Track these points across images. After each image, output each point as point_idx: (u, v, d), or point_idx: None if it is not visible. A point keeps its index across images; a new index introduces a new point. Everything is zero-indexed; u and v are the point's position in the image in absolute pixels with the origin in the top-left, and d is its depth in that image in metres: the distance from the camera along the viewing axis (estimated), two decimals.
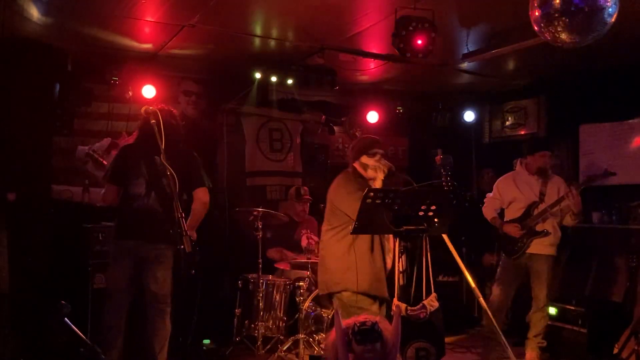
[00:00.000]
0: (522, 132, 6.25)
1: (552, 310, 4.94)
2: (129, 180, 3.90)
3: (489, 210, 4.87)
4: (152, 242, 3.85)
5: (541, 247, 4.60)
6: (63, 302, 3.25)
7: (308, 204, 5.60)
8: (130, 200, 3.89)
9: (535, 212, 4.63)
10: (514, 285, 4.76)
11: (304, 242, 5.41)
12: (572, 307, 4.82)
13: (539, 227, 4.61)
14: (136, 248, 3.86)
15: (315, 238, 5.50)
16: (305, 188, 5.64)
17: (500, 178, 5.00)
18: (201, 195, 4.02)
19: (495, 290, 4.81)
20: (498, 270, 4.87)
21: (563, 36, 3.48)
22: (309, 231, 5.53)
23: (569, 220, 4.63)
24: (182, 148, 3.99)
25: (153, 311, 3.91)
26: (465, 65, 5.32)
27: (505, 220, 4.79)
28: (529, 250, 4.62)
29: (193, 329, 4.07)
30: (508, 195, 4.78)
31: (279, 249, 5.37)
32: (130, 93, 4.94)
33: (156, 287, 3.91)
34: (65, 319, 3.26)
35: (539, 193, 4.66)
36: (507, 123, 6.36)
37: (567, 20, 2.95)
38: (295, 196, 5.57)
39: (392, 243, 3.64)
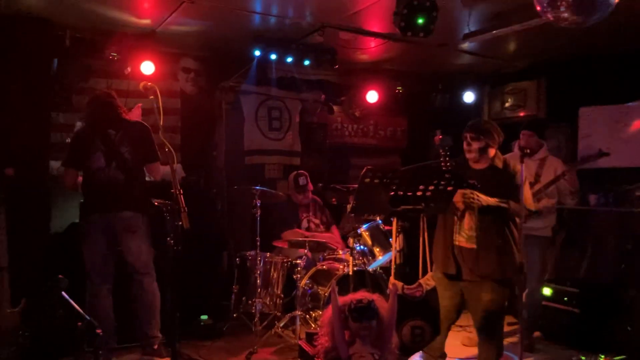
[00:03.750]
0: (522, 114, 6.23)
1: (547, 291, 4.99)
2: (88, 158, 4.01)
3: None
4: (118, 210, 3.98)
5: (535, 229, 4.61)
6: (61, 276, 3.25)
7: (309, 191, 5.57)
8: (91, 175, 4.03)
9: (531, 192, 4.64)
10: None
11: (304, 225, 5.42)
12: (567, 288, 4.87)
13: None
14: (104, 220, 3.99)
15: (316, 221, 5.51)
16: (305, 175, 5.48)
17: None
18: (153, 171, 4.11)
19: None
20: None
21: (566, 16, 3.47)
22: (310, 214, 5.52)
23: (568, 200, 4.64)
24: (135, 121, 4.17)
25: (134, 281, 4.08)
26: (466, 45, 5.30)
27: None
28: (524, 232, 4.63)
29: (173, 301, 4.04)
30: None
31: (294, 230, 5.31)
32: (129, 69, 4.91)
33: (132, 258, 4.06)
34: (63, 292, 3.27)
35: (535, 174, 4.66)
36: (507, 105, 6.34)
37: (571, 0, 2.93)
38: (294, 187, 5.46)
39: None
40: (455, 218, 3.55)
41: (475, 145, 3.54)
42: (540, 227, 4.63)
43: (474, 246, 3.46)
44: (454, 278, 3.55)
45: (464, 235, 3.51)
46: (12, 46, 4.46)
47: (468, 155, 3.58)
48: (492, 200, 3.39)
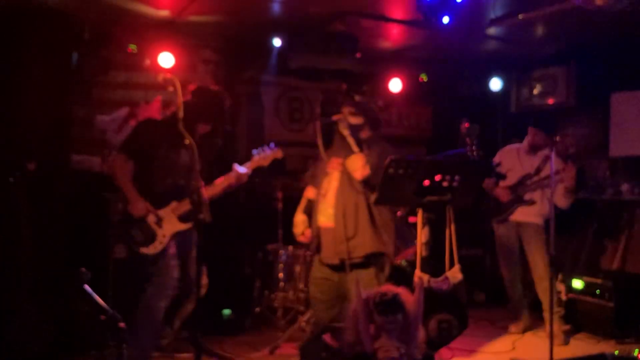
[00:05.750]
0: (551, 102, 6.05)
1: (578, 284, 4.86)
2: None
3: None
4: None
5: (527, 215, 4.67)
6: (83, 269, 3.23)
7: None
8: None
9: (528, 182, 4.69)
10: (513, 252, 4.85)
11: None
12: (599, 281, 4.73)
13: (526, 196, 4.67)
14: None
15: None
16: None
17: (506, 147, 5.01)
18: None
19: (500, 262, 4.96)
20: (495, 239, 4.97)
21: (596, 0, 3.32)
22: None
23: (561, 199, 4.54)
24: None
25: None
26: (492, 31, 5.15)
27: (497, 185, 4.85)
28: (515, 218, 4.72)
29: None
30: (507, 163, 4.83)
31: None
32: (148, 61, 4.87)
33: None
34: (85, 286, 3.25)
35: (536, 167, 4.70)
36: (535, 92, 6.15)
37: None
38: None
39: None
40: (320, 197, 3.51)
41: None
42: (532, 214, 4.66)
43: (332, 224, 3.40)
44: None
45: (325, 214, 3.45)
46: (31, 41, 4.46)
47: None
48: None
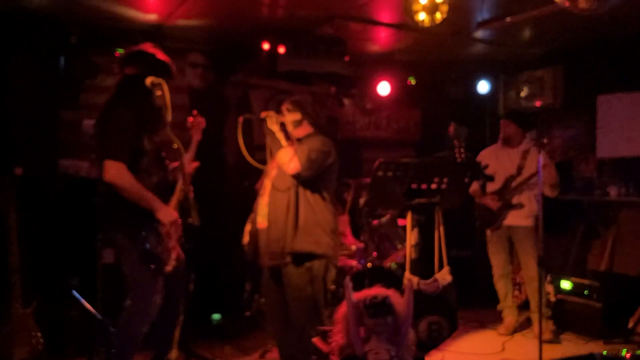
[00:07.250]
0: (538, 104, 6.09)
1: (566, 284, 4.89)
2: None
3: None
4: None
5: (518, 219, 4.71)
6: (71, 275, 3.21)
7: None
8: None
9: (513, 184, 4.72)
10: (503, 253, 4.92)
11: None
12: (587, 282, 4.77)
13: (514, 200, 4.71)
14: None
15: None
16: None
17: (483, 150, 5.06)
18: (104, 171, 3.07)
19: (492, 262, 5.00)
20: (487, 243, 5.02)
21: (582, 3, 3.36)
22: None
23: (548, 192, 4.65)
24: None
25: None
26: (479, 34, 5.18)
27: (485, 192, 4.88)
28: (506, 222, 4.76)
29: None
30: (489, 167, 4.82)
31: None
32: None
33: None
34: (74, 292, 3.22)
35: (517, 166, 4.73)
36: (523, 94, 6.18)
37: None
38: None
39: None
40: (259, 198, 3.47)
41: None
42: (523, 217, 4.70)
43: (266, 224, 3.35)
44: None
45: (262, 214, 3.41)
46: (18, 45, 4.43)
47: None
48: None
